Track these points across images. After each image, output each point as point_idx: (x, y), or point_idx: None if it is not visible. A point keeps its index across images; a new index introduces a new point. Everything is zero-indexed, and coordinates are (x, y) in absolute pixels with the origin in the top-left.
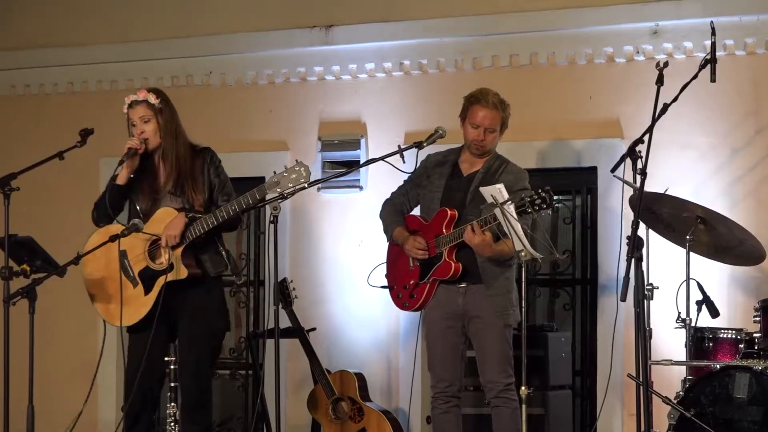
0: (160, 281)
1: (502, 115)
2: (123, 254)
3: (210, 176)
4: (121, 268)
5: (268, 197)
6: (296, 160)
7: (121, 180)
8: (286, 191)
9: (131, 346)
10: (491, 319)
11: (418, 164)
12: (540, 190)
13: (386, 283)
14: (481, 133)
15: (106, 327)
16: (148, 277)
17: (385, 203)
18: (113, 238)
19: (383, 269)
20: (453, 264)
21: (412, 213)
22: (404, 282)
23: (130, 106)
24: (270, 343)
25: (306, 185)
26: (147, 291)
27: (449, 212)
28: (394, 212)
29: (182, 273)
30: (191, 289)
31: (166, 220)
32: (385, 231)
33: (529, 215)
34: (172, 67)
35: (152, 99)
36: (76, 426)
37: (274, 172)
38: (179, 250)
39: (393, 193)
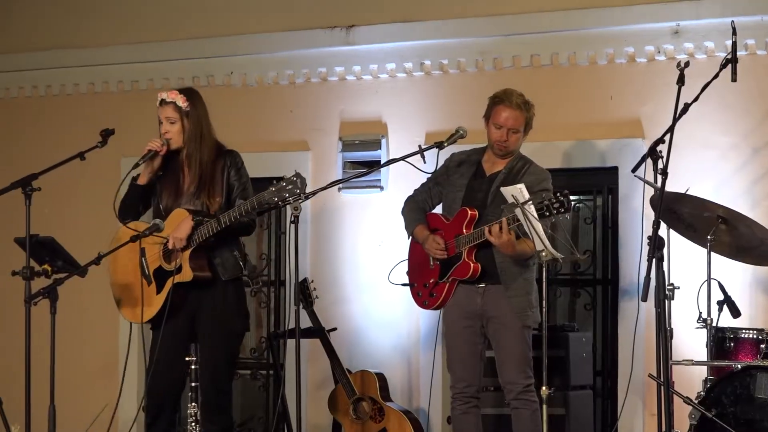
0: (169, 282)
1: (526, 116)
2: (142, 252)
3: (230, 178)
4: (139, 266)
5: (266, 205)
6: (295, 171)
7: (142, 180)
8: (281, 200)
9: (153, 344)
10: (510, 319)
11: (442, 163)
12: (558, 194)
13: (406, 281)
14: (504, 133)
15: (131, 325)
16: (161, 277)
17: (408, 200)
18: (134, 238)
19: (404, 267)
20: (472, 264)
21: (435, 211)
22: (424, 280)
23: (160, 104)
24: (291, 343)
25: (301, 198)
26: (159, 290)
27: (470, 212)
28: (415, 209)
29: (187, 276)
30: (206, 290)
31: (177, 222)
32: (407, 228)
33: (547, 218)
34: (193, 67)
35: (180, 102)
36: (96, 424)
37: (273, 181)
38: (187, 253)
39: (416, 191)
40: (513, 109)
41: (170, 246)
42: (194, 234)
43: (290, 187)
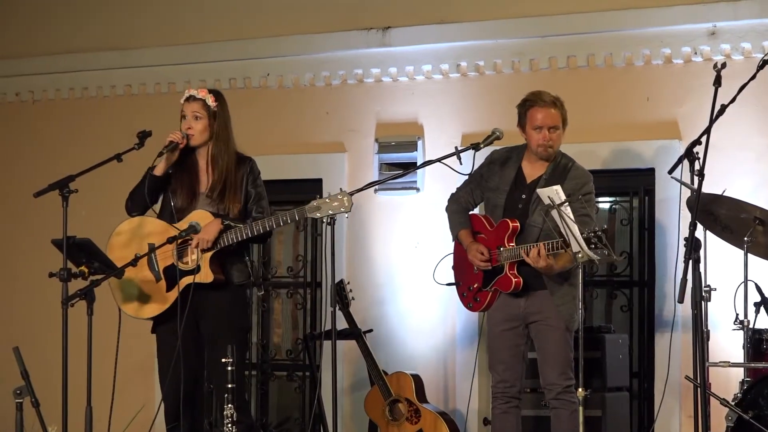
0: (185, 281)
1: (561, 112)
2: (151, 248)
3: (247, 186)
4: (147, 262)
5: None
6: (341, 189)
7: (158, 171)
8: (325, 217)
9: (160, 344)
10: (553, 321)
11: (480, 163)
12: (597, 229)
13: (451, 281)
14: (545, 133)
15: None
16: (171, 275)
17: (451, 200)
18: (170, 240)
19: (446, 264)
20: (514, 279)
21: (477, 212)
22: (469, 283)
23: (187, 99)
24: (327, 344)
25: (346, 215)
26: (169, 288)
27: (511, 225)
28: (459, 212)
29: (208, 277)
30: (213, 292)
31: (201, 224)
32: (451, 230)
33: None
34: (229, 69)
35: (210, 101)
36: (133, 425)
37: (318, 197)
38: (208, 255)
39: (459, 189)
40: (548, 107)
41: (194, 245)
42: (221, 237)
43: (335, 204)
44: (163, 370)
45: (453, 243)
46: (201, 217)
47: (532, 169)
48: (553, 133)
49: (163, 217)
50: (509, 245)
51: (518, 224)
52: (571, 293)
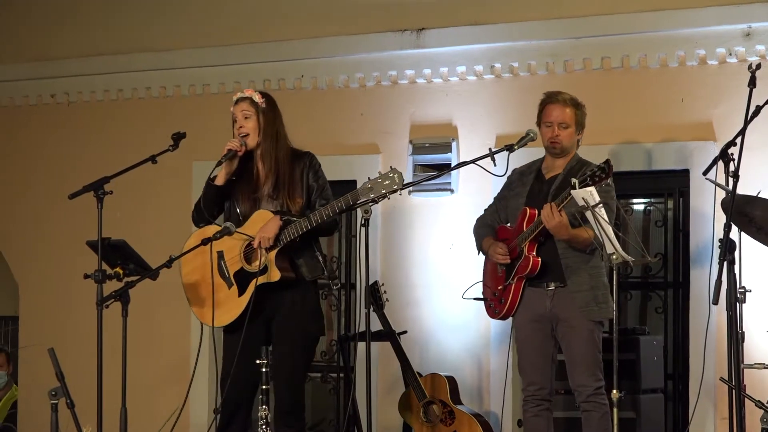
0: (253, 283)
1: (576, 112)
2: (220, 255)
3: (308, 180)
4: (217, 269)
5: (360, 202)
6: (390, 167)
7: (219, 181)
8: (378, 196)
9: (227, 348)
10: (578, 321)
11: (508, 171)
12: (600, 164)
13: (480, 296)
14: (555, 129)
15: (202, 328)
16: (242, 279)
17: (477, 220)
18: (205, 242)
19: (479, 285)
20: (532, 258)
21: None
22: (494, 288)
23: (236, 102)
24: (361, 346)
25: (399, 191)
26: (241, 292)
27: (529, 211)
28: (483, 226)
29: (274, 276)
30: (286, 292)
31: (261, 223)
32: (477, 246)
33: (595, 185)
34: (264, 70)
35: (257, 98)
36: (167, 427)
37: (369, 178)
38: (273, 253)
39: (485, 210)
40: (561, 105)
41: (255, 245)
42: (281, 234)
43: (387, 182)
44: (226, 372)
45: (484, 259)
46: (261, 216)
47: (550, 168)
48: (563, 130)
49: None
50: (526, 229)
51: (536, 211)
52: (589, 283)
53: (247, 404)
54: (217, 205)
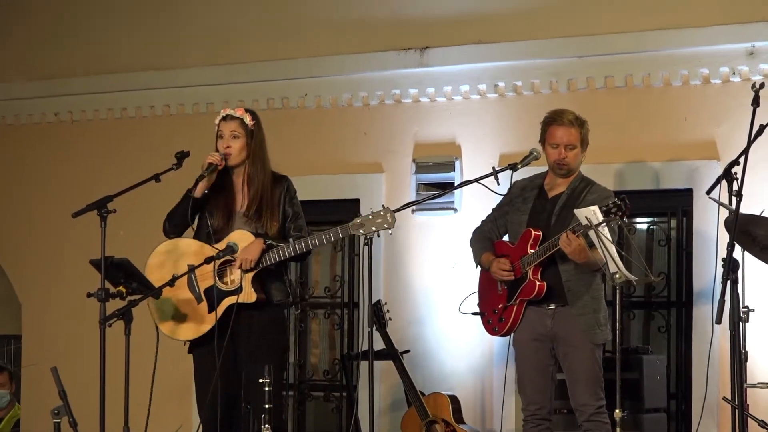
0: (227, 301)
1: (581, 131)
2: (192, 268)
3: (284, 205)
4: (187, 284)
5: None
6: (383, 206)
7: (197, 193)
8: (369, 234)
9: (197, 365)
10: (579, 341)
11: (516, 182)
12: (616, 199)
13: (477, 310)
14: (561, 151)
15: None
16: (212, 296)
17: (475, 231)
18: (208, 260)
19: (475, 297)
20: (538, 282)
21: (502, 239)
22: (494, 306)
23: (224, 118)
24: (364, 364)
25: (390, 232)
26: (210, 309)
27: (534, 233)
28: (481, 239)
29: (251, 297)
30: (255, 312)
31: (242, 243)
32: (474, 258)
33: (611, 221)
34: (267, 89)
35: (248, 120)
36: None
37: (360, 215)
38: (251, 275)
39: (482, 221)
40: (566, 126)
41: (237, 266)
42: (263, 257)
43: (379, 220)
44: (200, 392)
45: (479, 272)
46: (241, 237)
47: (553, 186)
48: (570, 152)
49: (200, 238)
50: (531, 251)
51: (540, 233)
52: (592, 306)
53: (227, 421)
54: (191, 217)
